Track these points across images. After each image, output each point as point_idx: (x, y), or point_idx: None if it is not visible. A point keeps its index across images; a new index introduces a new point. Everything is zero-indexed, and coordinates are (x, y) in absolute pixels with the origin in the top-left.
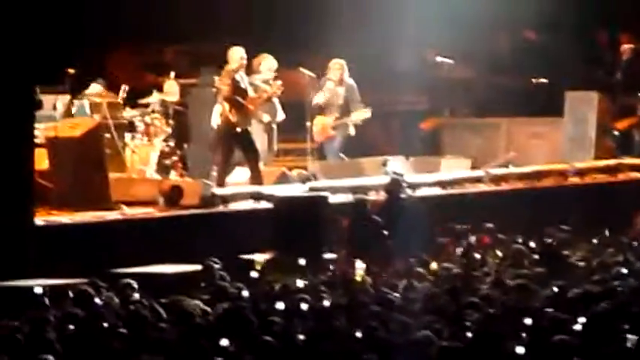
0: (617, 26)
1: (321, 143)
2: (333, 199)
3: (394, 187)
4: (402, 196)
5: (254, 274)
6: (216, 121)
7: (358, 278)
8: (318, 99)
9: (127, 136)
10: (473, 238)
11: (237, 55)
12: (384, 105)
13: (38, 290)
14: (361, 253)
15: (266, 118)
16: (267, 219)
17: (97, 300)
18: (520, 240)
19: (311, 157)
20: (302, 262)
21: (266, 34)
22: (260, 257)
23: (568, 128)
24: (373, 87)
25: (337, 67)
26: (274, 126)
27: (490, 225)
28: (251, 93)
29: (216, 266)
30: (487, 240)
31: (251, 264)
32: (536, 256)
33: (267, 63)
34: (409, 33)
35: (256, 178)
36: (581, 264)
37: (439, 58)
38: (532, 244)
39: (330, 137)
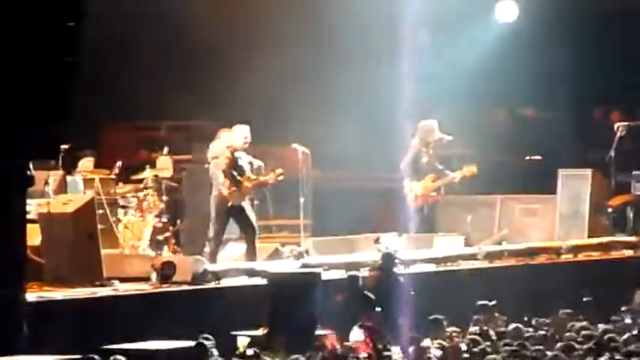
0: (610, 104)
1: (418, 207)
2: (326, 275)
3: (387, 263)
4: (396, 272)
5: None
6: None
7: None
8: (417, 161)
9: (120, 211)
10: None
11: (241, 133)
12: (378, 181)
13: None
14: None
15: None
16: (260, 295)
17: None
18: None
19: (304, 234)
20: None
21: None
22: (244, 339)
23: (562, 205)
24: (369, 163)
25: (426, 130)
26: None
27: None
28: (248, 172)
29: (209, 343)
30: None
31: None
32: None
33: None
34: (406, 109)
35: (252, 253)
36: None
37: (438, 134)
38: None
39: (430, 200)
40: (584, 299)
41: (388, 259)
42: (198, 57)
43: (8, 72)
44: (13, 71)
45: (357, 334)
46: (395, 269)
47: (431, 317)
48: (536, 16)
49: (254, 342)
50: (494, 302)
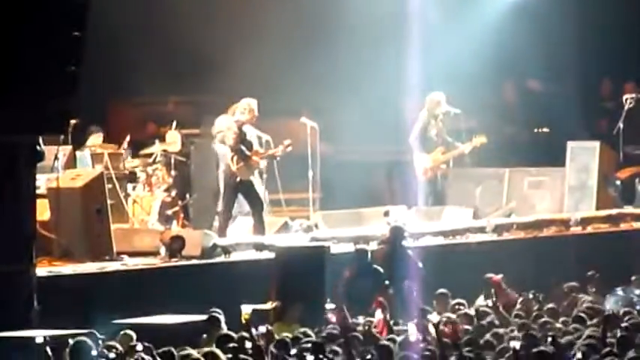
0: (619, 76)
1: (427, 180)
2: (335, 249)
3: (396, 236)
4: (405, 245)
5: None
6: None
7: None
8: (425, 134)
9: (129, 186)
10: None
11: (248, 106)
12: (387, 154)
13: (39, 340)
14: (364, 303)
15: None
16: (269, 269)
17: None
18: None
19: (313, 207)
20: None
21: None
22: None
23: (570, 178)
24: (378, 137)
25: (434, 101)
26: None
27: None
28: (256, 145)
29: (220, 316)
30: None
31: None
32: None
33: (242, 105)
34: (415, 82)
35: (260, 228)
36: None
37: (446, 107)
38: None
39: (439, 173)
40: (589, 273)
41: (396, 232)
42: (206, 30)
43: (17, 48)
44: (22, 48)
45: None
46: (404, 242)
47: (437, 292)
48: None
49: (263, 315)
50: (501, 275)
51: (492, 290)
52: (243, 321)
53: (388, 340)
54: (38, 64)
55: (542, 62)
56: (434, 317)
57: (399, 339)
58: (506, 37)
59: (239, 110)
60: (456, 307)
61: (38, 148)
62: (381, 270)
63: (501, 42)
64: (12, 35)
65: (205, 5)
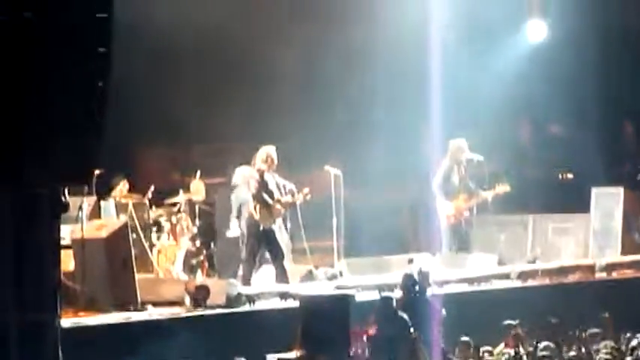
0: None
1: (450, 226)
2: (360, 296)
3: (408, 284)
4: (424, 292)
5: None
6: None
7: None
8: (448, 180)
9: (154, 236)
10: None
11: (266, 154)
12: (411, 201)
13: None
14: (389, 351)
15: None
16: (294, 318)
17: None
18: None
19: (337, 255)
20: None
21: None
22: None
23: (594, 223)
24: (401, 183)
25: (456, 148)
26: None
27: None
28: (277, 194)
29: None
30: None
31: None
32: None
33: (261, 154)
34: (437, 127)
35: (282, 276)
36: None
37: (469, 154)
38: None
39: (463, 219)
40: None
41: (407, 280)
42: (232, 80)
43: (40, 95)
44: (46, 95)
45: None
46: (423, 289)
47: (459, 340)
48: (565, 33)
49: None
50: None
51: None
52: None
53: None
54: (62, 114)
55: (562, 106)
56: None
57: None
58: (526, 81)
59: (259, 158)
60: (483, 354)
61: (62, 199)
62: (406, 317)
63: (522, 86)
64: (36, 85)
65: (232, 54)
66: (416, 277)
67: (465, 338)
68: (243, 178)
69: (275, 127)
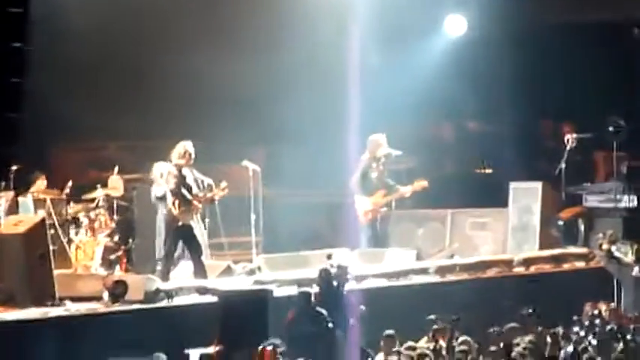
0: (559, 116)
1: (368, 222)
2: (278, 292)
3: (324, 279)
4: (340, 287)
5: None
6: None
7: None
8: (366, 176)
9: (72, 231)
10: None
11: (184, 149)
12: (329, 197)
13: None
14: (307, 346)
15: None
16: (212, 313)
17: None
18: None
19: (256, 250)
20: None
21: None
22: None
23: (512, 218)
24: (319, 180)
25: (375, 143)
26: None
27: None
28: (195, 189)
29: None
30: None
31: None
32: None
33: (179, 149)
34: (355, 124)
35: (200, 272)
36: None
37: (387, 150)
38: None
39: (380, 215)
40: (527, 311)
41: (324, 274)
42: (148, 76)
43: None
44: None
45: None
46: (341, 284)
47: (384, 334)
48: (484, 29)
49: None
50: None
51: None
52: None
53: None
54: None
55: (481, 102)
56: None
57: None
58: (444, 77)
59: (176, 153)
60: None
61: None
62: (325, 312)
63: (439, 82)
64: None
65: (148, 50)
66: (333, 271)
67: (389, 332)
68: (160, 173)
69: (192, 124)
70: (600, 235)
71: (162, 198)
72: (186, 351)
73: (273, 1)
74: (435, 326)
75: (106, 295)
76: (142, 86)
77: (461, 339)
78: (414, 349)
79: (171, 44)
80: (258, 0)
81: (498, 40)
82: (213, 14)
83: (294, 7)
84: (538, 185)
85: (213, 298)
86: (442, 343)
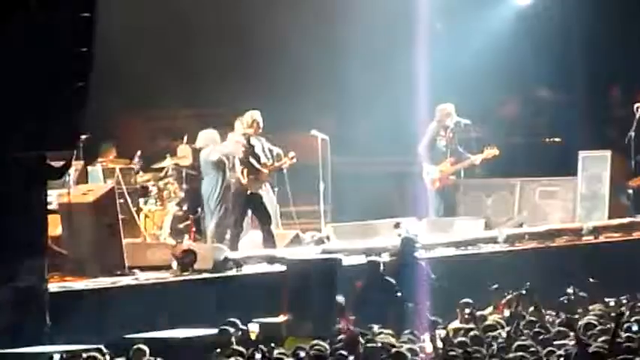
0: (629, 83)
1: (437, 191)
2: (347, 261)
3: (407, 247)
4: (416, 256)
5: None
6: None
7: None
8: (434, 145)
9: (141, 201)
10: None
11: (252, 118)
12: (398, 166)
13: (55, 357)
14: (376, 315)
15: None
16: (280, 282)
17: None
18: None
19: (324, 220)
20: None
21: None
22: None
23: (582, 187)
24: (388, 148)
25: (444, 112)
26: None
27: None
28: (264, 158)
29: (233, 330)
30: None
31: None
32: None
33: (247, 118)
34: (424, 93)
35: (269, 241)
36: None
37: (456, 118)
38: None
39: (448, 184)
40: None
41: (408, 243)
42: (216, 45)
43: (25, 66)
44: (30, 65)
45: None
46: (415, 254)
47: (460, 301)
48: None
49: (275, 328)
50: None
51: None
52: (253, 337)
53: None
54: (47, 81)
55: (549, 70)
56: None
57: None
58: (512, 45)
59: (244, 123)
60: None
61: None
62: (393, 282)
63: (507, 50)
64: (20, 53)
65: (215, 19)
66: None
67: (466, 300)
68: (209, 142)
69: (261, 93)
70: None
71: (218, 163)
72: (255, 320)
73: None
74: (503, 296)
75: (174, 265)
76: (214, 55)
77: (530, 309)
78: (484, 319)
79: (246, 11)
80: None
81: (568, 7)
82: None
83: None
84: (607, 154)
85: (282, 267)
86: (507, 312)
